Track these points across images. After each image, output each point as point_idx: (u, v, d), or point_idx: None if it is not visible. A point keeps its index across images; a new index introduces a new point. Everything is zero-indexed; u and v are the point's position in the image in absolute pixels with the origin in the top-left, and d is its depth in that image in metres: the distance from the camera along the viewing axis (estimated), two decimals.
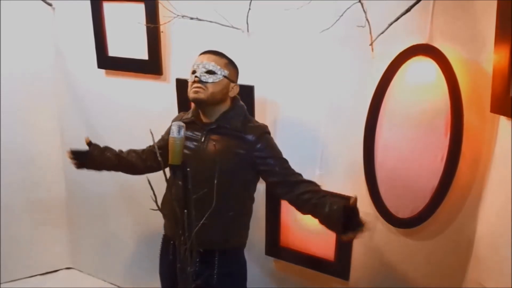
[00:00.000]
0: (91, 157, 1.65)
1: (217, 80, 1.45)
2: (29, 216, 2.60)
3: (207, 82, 1.44)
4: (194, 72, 1.47)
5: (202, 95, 1.45)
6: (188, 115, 1.59)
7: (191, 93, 1.47)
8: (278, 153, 1.54)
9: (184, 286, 1.25)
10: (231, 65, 1.52)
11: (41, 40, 2.38)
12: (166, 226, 1.65)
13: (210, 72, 1.45)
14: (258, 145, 1.49)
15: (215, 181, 1.27)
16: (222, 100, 1.50)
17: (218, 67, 1.46)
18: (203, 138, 1.51)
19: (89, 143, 1.66)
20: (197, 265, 1.48)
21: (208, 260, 1.53)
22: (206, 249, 1.47)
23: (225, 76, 1.47)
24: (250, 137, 1.49)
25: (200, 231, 1.37)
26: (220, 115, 1.51)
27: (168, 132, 1.64)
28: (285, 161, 1.53)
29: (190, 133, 1.52)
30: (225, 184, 1.43)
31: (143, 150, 1.75)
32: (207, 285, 1.53)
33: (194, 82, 1.45)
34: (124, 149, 1.77)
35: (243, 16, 1.74)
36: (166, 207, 1.43)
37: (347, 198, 1.34)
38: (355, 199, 1.29)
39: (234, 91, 1.54)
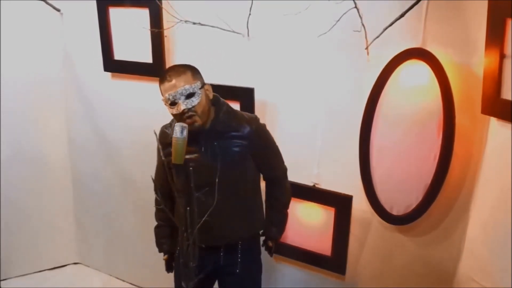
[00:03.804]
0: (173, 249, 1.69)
1: (199, 98, 1.39)
2: (37, 212, 2.66)
3: (194, 107, 1.38)
4: (174, 103, 1.38)
5: (198, 123, 1.41)
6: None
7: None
8: (273, 144, 1.60)
9: (187, 282, 1.31)
10: (194, 71, 1.43)
11: (50, 44, 2.44)
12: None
13: (190, 95, 1.38)
14: (255, 138, 1.50)
15: (217, 180, 1.35)
16: (209, 108, 1.47)
17: (192, 85, 1.38)
18: (203, 148, 1.46)
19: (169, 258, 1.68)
20: (221, 257, 1.56)
21: (231, 251, 1.58)
22: (231, 242, 1.56)
23: (200, 88, 1.41)
24: (246, 130, 1.49)
25: (223, 228, 1.51)
26: (212, 121, 1.47)
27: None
28: (277, 154, 1.62)
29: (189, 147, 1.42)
30: (236, 179, 1.49)
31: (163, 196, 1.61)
32: (231, 274, 1.59)
33: (183, 113, 1.38)
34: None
35: (243, 21, 1.78)
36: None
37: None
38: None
39: (210, 92, 1.48)
